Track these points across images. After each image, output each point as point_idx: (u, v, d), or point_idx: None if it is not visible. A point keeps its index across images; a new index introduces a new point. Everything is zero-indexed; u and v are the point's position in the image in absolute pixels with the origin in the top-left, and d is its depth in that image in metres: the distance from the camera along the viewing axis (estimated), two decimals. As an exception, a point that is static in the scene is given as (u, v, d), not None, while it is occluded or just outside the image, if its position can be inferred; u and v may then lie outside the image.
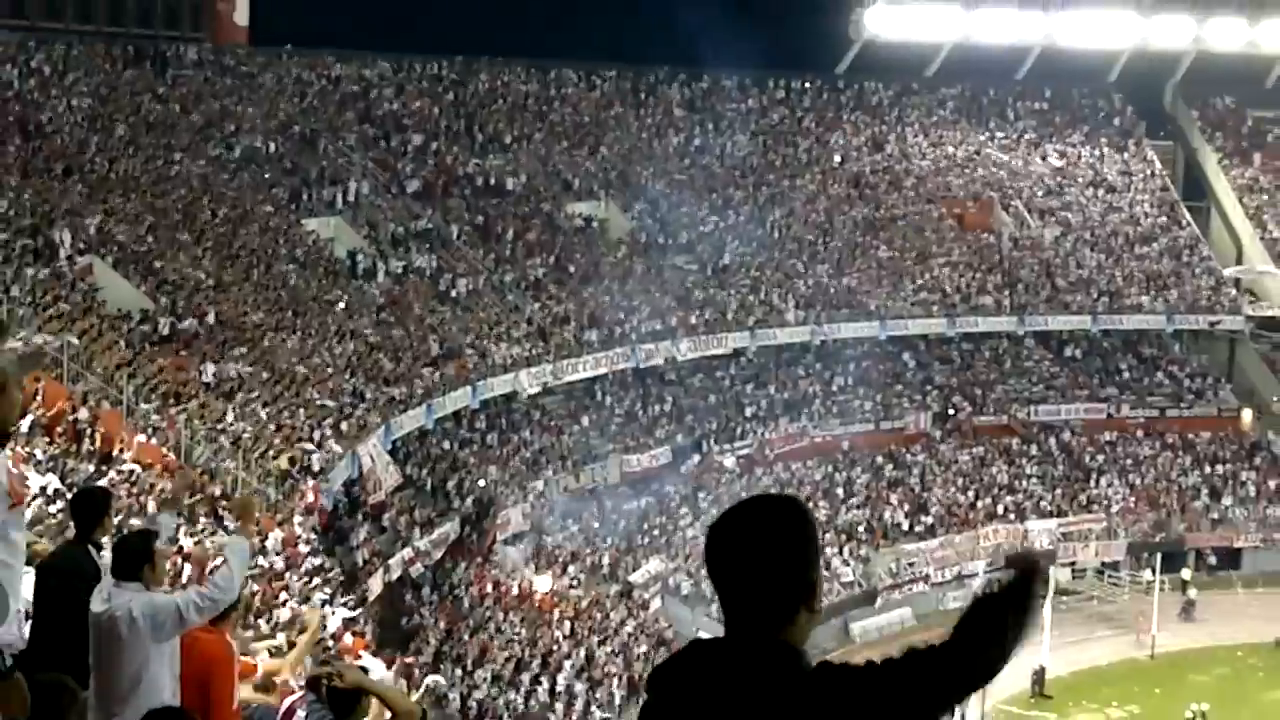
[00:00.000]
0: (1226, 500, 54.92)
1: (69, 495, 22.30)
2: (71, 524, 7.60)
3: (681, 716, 2.98)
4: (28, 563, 6.81)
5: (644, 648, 38.86)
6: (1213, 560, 53.47)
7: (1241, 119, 68.44)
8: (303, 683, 8.65)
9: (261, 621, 22.47)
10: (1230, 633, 47.18)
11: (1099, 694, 43.00)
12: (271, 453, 32.98)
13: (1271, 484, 55.72)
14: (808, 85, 66.24)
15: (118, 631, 6.56)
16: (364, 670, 9.75)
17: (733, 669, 2.95)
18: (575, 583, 41.31)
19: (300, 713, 7.92)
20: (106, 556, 7.26)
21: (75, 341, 30.90)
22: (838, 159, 63.45)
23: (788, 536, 3.02)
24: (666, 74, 63.50)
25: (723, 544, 3.04)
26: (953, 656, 2.91)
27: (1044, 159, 66.41)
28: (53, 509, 20.25)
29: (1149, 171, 67.02)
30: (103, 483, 23.34)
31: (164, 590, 7.18)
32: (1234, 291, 61.34)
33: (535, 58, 61.34)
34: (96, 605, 6.68)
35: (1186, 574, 50.86)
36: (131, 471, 26.45)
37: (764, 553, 2.99)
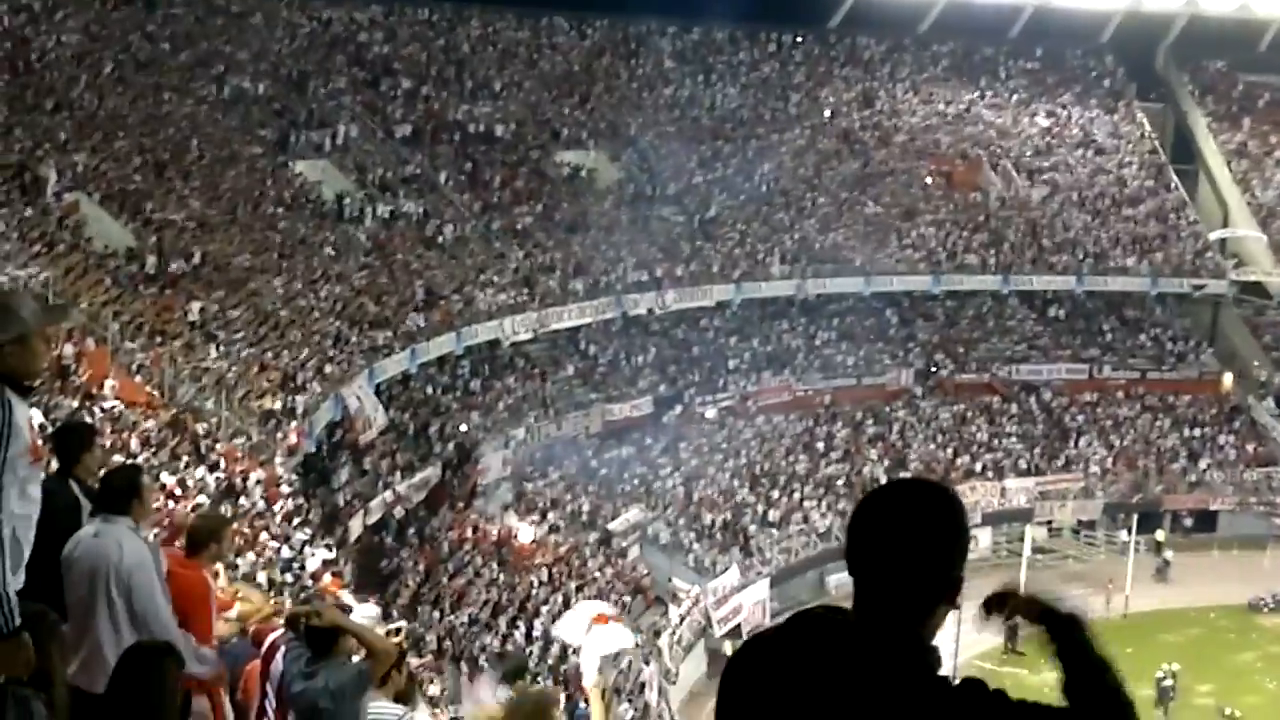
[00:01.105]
0: (1204, 463, 55.20)
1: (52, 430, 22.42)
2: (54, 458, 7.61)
3: (790, 691, 2.84)
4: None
5: (621, 595, 39.14)
6: (1189, 522, 53.81)
7: (1233, 83, 68.34)
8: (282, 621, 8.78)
9: (241, 560, 22.63)
10: (1203, 594, 47.49)
11: (1071, 651, 43.30)
12: (255, 393, 33.08)
13: (1249, 448, 56.04)
14: (799, 39, 66.03)
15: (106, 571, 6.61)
16: (345, 610, 9.84)
17: (857, 653, 2.82)
18: (555, 529, 41.54)
19: (280, 649, 8.06)
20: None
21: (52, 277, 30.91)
22: (827, 114, 63.33)
23: (942, 529, 2.90)
24: (657, 25, 63.17)
25: (871, 527, 2.90)
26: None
27: (1034, 118, 66.29)
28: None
29: (1138, 133, 66.99)
30: (87, 419, 23.45)
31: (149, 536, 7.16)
32: (1219, 255, 61.46)
33: (526, 6, 61.03)
34: (84, 541, 6.69)
35: (1161, 535, 51.24)
36: (115, 408, 26.58)
37: (916, 543, 2.86)
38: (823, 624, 2.91)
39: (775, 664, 2.89)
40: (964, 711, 2.77)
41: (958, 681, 2.83)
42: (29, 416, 5.28)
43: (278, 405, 33.05)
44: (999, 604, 3.09)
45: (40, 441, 5.59)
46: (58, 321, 22.64)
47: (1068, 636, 3.01)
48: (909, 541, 2.86)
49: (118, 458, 21.81)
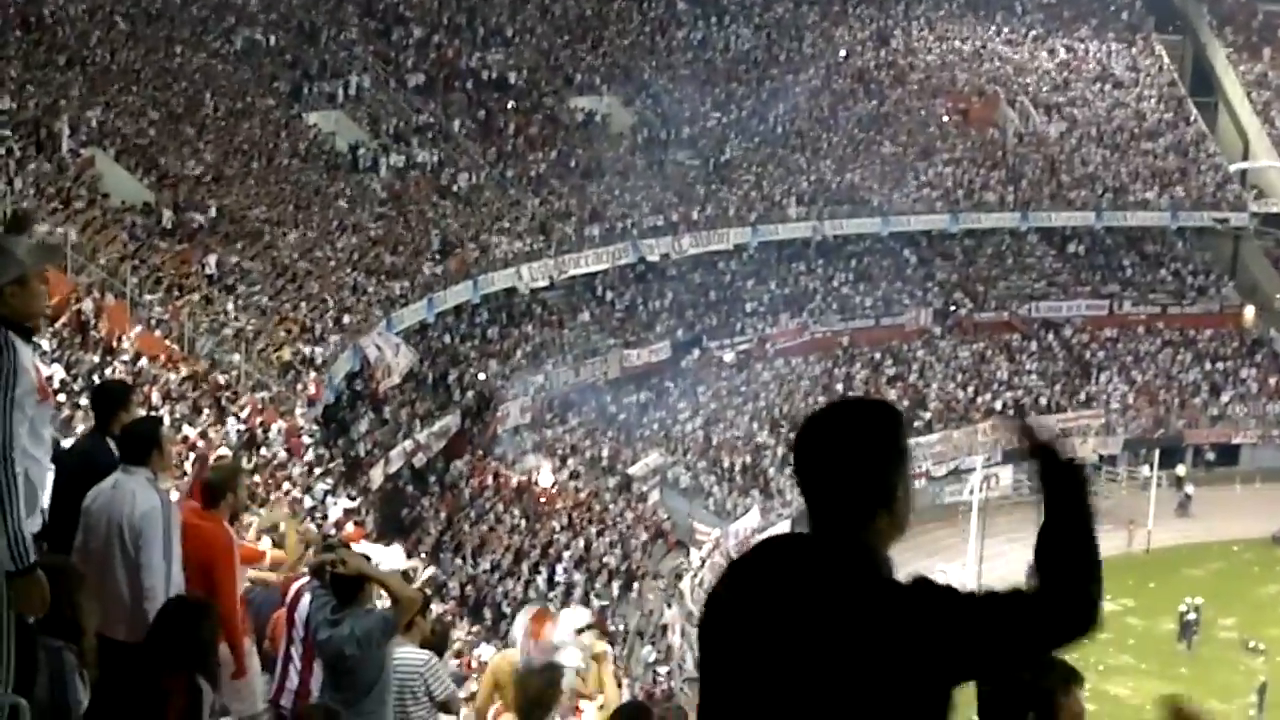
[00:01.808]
0: (1226, 397, 55.12)
1: (74, 386, 22.53)
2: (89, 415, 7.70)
3: (748, 604, 2.99)
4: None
5: (642, 539, 39.28)
6: (1210, 456, 53.80)
7: (1252, 13, 67.62)
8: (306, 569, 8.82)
9: (262, 511, 22.71)
10: (1226, 528, 47.54)
11: (1094, 587, 43.42)
12: (274, 346, 33.16)
13: (1272, 381, 55.91)
14: (813, -22, 65.48)
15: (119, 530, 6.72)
16: (369, 559, 9.88)
17: (805, 562, 2.98)
18: (575, 475, 41.67)
19: (305, 598, 8.11)
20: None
21: (73, 237, 30.92)
22: (842, 53, 62.82)
23: (868, 436, 3.03)
24: (670, -34, 62.67)
25: (806, 442, 3.07)
26: (1049, 601, 2.90)
27: (1050, 53, 65.77)
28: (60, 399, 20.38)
29: (1157, 66, 66.38)
30: (107, 374, 23.53)
31: (171, 486, 7.19)
32: (1239, 188, 61.05)
33: (537, -51, 60.54)
34: (103, 492, 6.80)
35: (1181, 470, 51.24)
36: (135, 362, 26.65)
37: (842, 452, 3.01)
38: (782, 543, 3.11)
39: (738, 583, 3.07)
40: (909, 604, 2.88)
41: (910, 579, 2.95)
42: (33, 358, 5.32)
43: (296, 357, 33.12)
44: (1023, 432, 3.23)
45: (47, 383, 5.62)
46: (53, 261, 22.70)
47: (1060, 480, 3.11)
48: (836, 450, 3.03)
49: (139, 411, 21.88)
